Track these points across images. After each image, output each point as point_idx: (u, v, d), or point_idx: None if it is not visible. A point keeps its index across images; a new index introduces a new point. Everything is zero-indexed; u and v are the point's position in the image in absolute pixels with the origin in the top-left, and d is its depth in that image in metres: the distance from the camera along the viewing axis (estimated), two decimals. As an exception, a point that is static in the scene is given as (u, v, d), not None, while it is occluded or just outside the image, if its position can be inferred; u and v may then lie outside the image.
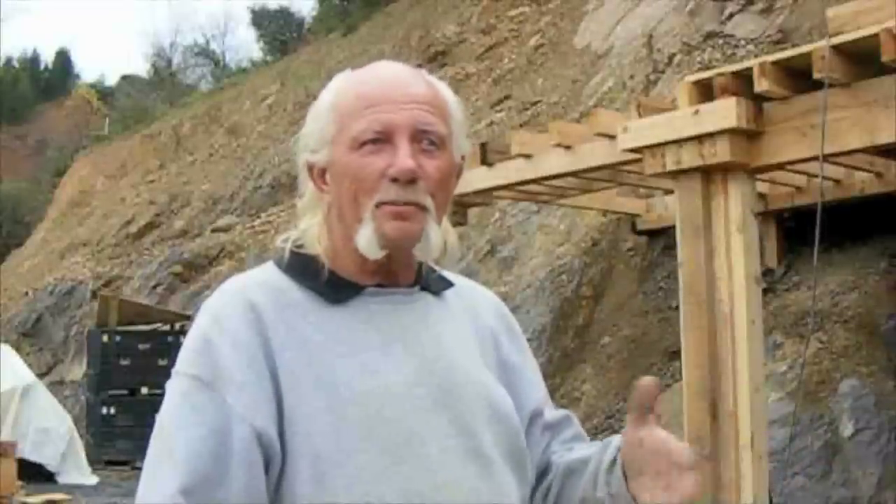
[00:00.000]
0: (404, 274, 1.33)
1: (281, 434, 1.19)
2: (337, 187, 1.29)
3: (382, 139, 1.26)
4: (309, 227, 1.34)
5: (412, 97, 1.29)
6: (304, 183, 1.35)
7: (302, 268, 1.31)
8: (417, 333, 1.31)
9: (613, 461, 1.30)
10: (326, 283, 1.29)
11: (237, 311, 1.25)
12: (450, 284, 1.40)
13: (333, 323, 1.27)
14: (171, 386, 1.24)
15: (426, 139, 1.28)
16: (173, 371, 1.25)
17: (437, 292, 1.38)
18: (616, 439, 1.32)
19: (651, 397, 1.23)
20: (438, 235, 1.30)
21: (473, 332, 1.39)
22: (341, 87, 1.32)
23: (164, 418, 1.22)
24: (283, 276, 1.31)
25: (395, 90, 1.29)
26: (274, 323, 1.24)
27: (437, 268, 1.41)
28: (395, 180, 1.25)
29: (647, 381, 1.24)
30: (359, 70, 1.35)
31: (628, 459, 1.26)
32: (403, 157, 1.25)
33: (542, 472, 1.41)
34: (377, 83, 1.30)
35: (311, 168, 1.32)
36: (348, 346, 1.26)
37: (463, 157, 1.37)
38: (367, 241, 1.26)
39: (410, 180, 1.25)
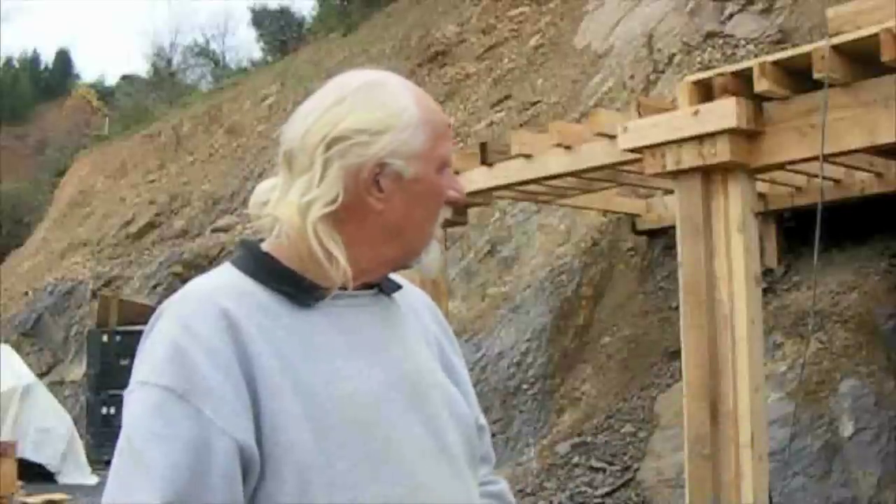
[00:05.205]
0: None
1: (259, 443, 1.17)
2: (410, 202, 1.28)
3: None
4: (312, 238, 1.25)
5: None
6: (335, 182, 1.25)
7: (269, 270, 1.28)
8: (383, 335, 1.32)
9: None
10: (295, 285, 1.26)
11: (208, 318, 1.19)
12: (398, 286, 1.40)
13: (304, 326, 1.25)
14: (137, 397, 1.18)
15: None
16: (136, 381, 1.19)
17: (388, 294, 1.38)
18: None
19: None
20: None
21: (422, 333, 1.41)
22: (420, 103, 1.30)
23: (132, 432, 1.16)
24: (247, 279, 1.27)
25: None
26: (248, 329, 1.20)
27: None
28: (451, 203, 1.33)
29: None
30: (410, 84, 1.34)
31: None
32: (461, 184, 1.35)
33: None
34: (439, 109, 1.36)
35: (371, 171, 1.25)
36: (321, 351, 1.24)
37: None
38: (435, 259, 1.33)
39: None
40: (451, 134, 1.33)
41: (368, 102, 1.27)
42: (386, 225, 1.28)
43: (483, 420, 1.48)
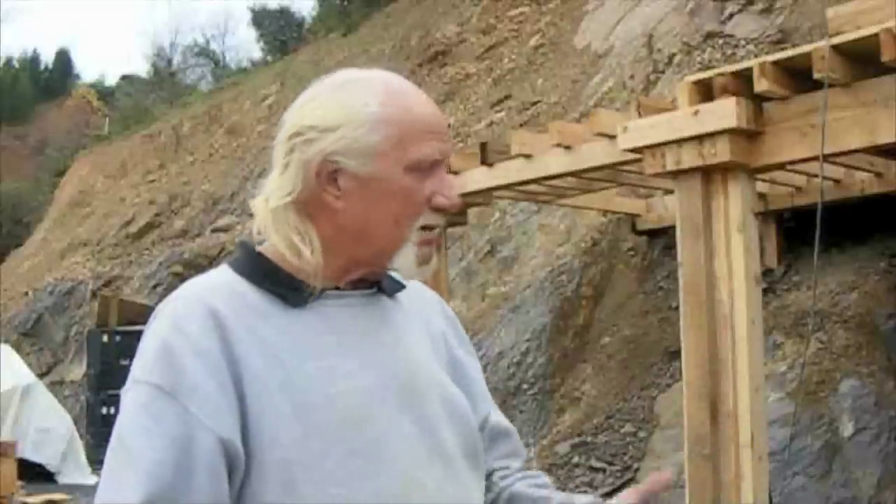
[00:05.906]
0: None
1: (245, 442, 1.18)
2: (369, 202, 1.27)
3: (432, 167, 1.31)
4: (272, 230, 1.28)
5: (446, 130, 1.35)
6: (293, 176, 1.27)
7: (261, 270, 1.29)
8: (377, 335, 1.32)
9: None
10: (286, 285, 1.28)
11: (197, 318, 1.21)
12: (401, 286, 1.40)
13: (295, 326, 1.26)
14: (129, 395, 1.21)
15: None
16: (130, 379, 1.22)
17: (390, 294, 1.38)
18: (582, 500, 1.39)
19: (662, 490, 1.33)
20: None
21: (426, 333, 1.41)
22: (389, 101, 1.29)
23: (122, 428, 1.19)
24: (241, 280, 1.29)
25: (441, 120, 1.33)
26: (235, 328, 1.22)
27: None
28: (439, 209, 1.30)
29: (667, 477, 1.35)
30: (389, 83, 1.32)
31: None
32: (455, 190, 1.32)
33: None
34: (428, 109, 1.31)
35: (321, 168, 1.27)
36: (311, 350, 1.25)
37: None
38: (408, 263, 1.30)
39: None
40: (437, 135, 1.29)
41: (330, 100, 1.29)
42: (349, 223, 1.28)
43: (498, 417, 1.48)
